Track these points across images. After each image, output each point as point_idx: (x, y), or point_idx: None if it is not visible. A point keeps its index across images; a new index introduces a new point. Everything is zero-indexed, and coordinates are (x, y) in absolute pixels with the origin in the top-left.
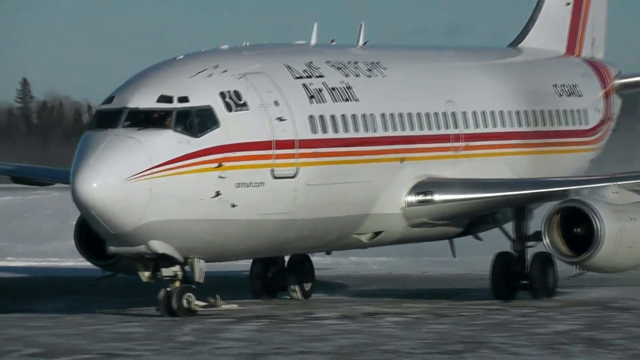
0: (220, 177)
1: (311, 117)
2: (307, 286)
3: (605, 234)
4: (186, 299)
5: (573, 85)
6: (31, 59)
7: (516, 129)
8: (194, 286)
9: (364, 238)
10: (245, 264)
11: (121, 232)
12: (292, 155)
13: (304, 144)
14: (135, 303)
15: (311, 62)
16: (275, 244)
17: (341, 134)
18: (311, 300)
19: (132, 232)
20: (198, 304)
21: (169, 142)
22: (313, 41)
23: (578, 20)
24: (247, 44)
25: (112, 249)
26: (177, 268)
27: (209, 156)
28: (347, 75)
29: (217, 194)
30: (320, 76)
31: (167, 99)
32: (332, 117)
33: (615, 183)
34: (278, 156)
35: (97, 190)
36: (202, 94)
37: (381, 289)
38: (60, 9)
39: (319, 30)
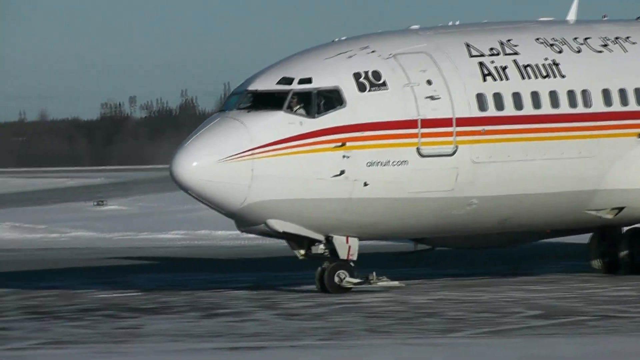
0: (345, 156)
1: (480, 95)
2: None
3: None
4: (338, 276)
5: None
6: None
7: None
8: (351, 263)
9: (604, 214)
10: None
11: (228, 213)
12: (447, 134)
13: (467, 121)
14: None
15: (510, 40)
16: (446, 223)
17: (527, 111)
18: None
19: (240, 212)
20: (351, 280)
21: (277, 123)
22: (571, 17)
23: None
24: (457, 22)
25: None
26: (322, 246)
27: (327, 136)
28: (559, 52)
29: (341, 172)
30: (514, 53)
31: (288, 80)
32: (516, 95)
33: None
34: (425, 134)
35: (190, 171)
36: (331, 75)
37: None
38: None
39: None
